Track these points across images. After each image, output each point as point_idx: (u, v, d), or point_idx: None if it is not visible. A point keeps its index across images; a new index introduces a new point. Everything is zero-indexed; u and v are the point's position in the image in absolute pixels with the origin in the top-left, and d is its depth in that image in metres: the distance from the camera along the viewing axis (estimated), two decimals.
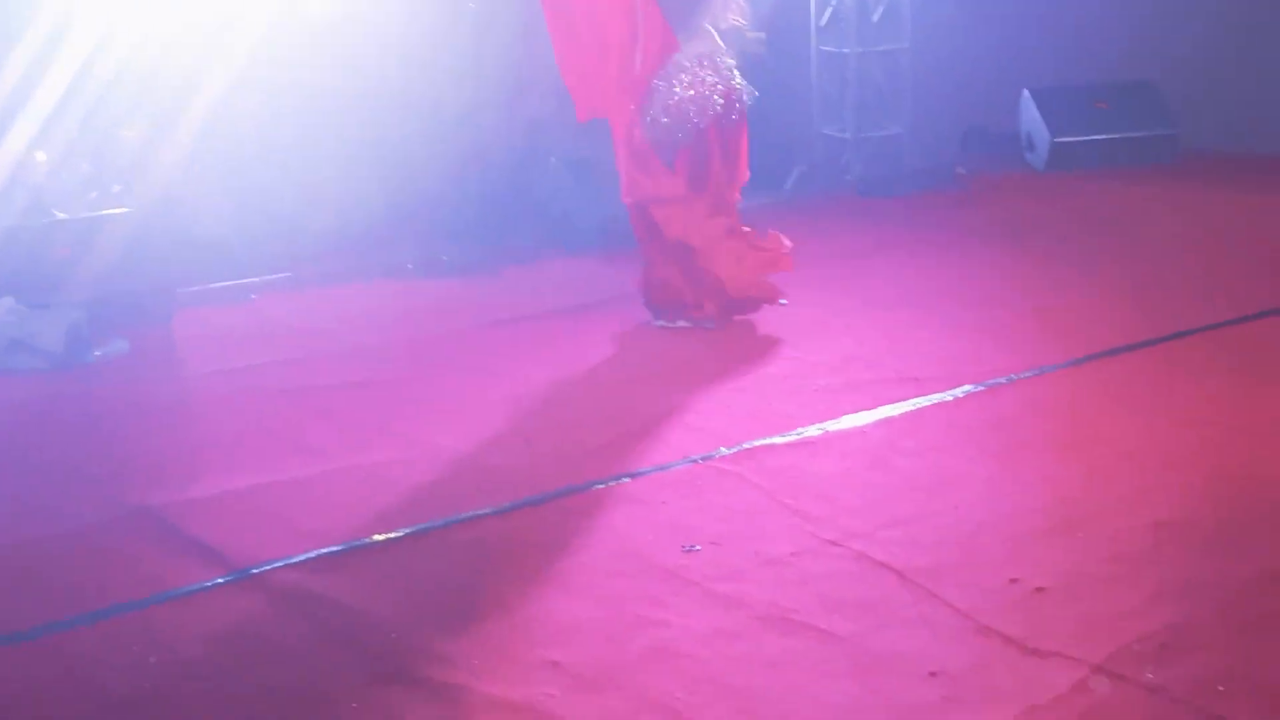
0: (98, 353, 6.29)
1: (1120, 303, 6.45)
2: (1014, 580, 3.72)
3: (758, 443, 4.83)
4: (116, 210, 6.90)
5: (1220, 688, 3.14)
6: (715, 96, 6.17)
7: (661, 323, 6.42)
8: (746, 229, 6.40)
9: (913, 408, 5.12)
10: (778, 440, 4.85)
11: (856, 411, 5.08)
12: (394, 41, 13.32)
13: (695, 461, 4.71)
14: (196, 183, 8.38)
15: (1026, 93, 9.49)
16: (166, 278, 6.93)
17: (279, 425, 5.37)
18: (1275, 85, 9.39)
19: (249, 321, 6.99)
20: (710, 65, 6.18)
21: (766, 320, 6.40)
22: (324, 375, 6.03)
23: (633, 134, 6.20)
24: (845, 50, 10.24)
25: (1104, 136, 9.28)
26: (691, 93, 6.13)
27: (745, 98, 6.30)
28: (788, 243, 6.44)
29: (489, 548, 4.15)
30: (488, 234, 8.52)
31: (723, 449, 4.79)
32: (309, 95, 11.94)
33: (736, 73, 6.29)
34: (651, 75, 6.17)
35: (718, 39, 6.26)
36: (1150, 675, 3.21)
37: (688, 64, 6.16)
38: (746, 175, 6.46)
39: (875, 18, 10.23)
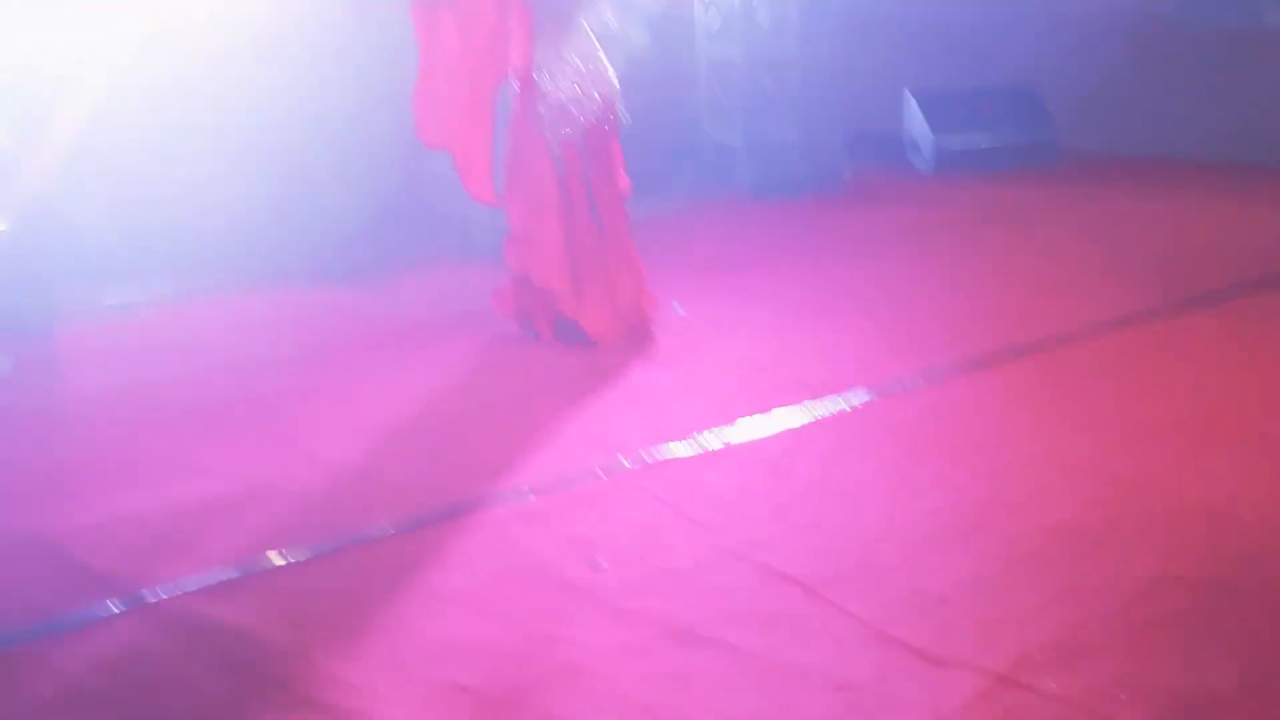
0: None
1: (1013, 305, 6.54)
2: (916, 588, 3.76)
3: (658, 454, 4.82)
4: None
5: (1122, 695, 3.19)
6: (593, 100, 6.07)
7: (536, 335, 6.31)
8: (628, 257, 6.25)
9: (812, 415, 5.14)
10: (678, 451, 4.84)
11: (755, 419, 5.09)
12: (278, 40, 13.11)
13: (596, 474, 4.69)
14: (76, 190, 8.20)
15: (909, 95, 9.61)
16: (49, 291, 6.75)
17: (168, 444, 5.24)
18: (1147, 91, 9.59)
19: (136, 335, 6.83)
20: (589, 67, 6.07)
21: (663, 327, 6.38)
22: (215, 390, 5.90)
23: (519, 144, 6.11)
24: (734, 57, 10.28)
25: (987, 139, 9.41)
26: (570, 94, 6.05)
27: (620, 105, 6.20)
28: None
29: (389, 567, 4.08)
30: (380, 238, 8.42)
31: (623, 461, 4.77)
32: (192, 96, 11.70)
33: (614, 78, 6.18)
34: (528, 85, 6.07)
35: (595, 41, 6.14)
36: (1052, 683, 3.25)
37: (568, 64, 6.04)
38: (628, 186, 6.33)
39: (763, 25, 10.29)
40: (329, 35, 11.78)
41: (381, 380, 5.92)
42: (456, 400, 5.67)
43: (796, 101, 10.35)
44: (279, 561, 4.13)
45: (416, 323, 6.84)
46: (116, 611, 3.85)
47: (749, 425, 5.04)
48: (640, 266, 6.29)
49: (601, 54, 6.15)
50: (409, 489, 4.66)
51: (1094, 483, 4.41)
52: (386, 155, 11.31)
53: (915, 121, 9.56)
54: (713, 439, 4.93)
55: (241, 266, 7.86)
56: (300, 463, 4.94)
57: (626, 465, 4.74)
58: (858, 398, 5.30)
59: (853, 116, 10.61)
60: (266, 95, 11.11)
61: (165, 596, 3.91)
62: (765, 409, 5.18)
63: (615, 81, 6.17)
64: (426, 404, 5.59)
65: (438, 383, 5.84)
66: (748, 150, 10.27)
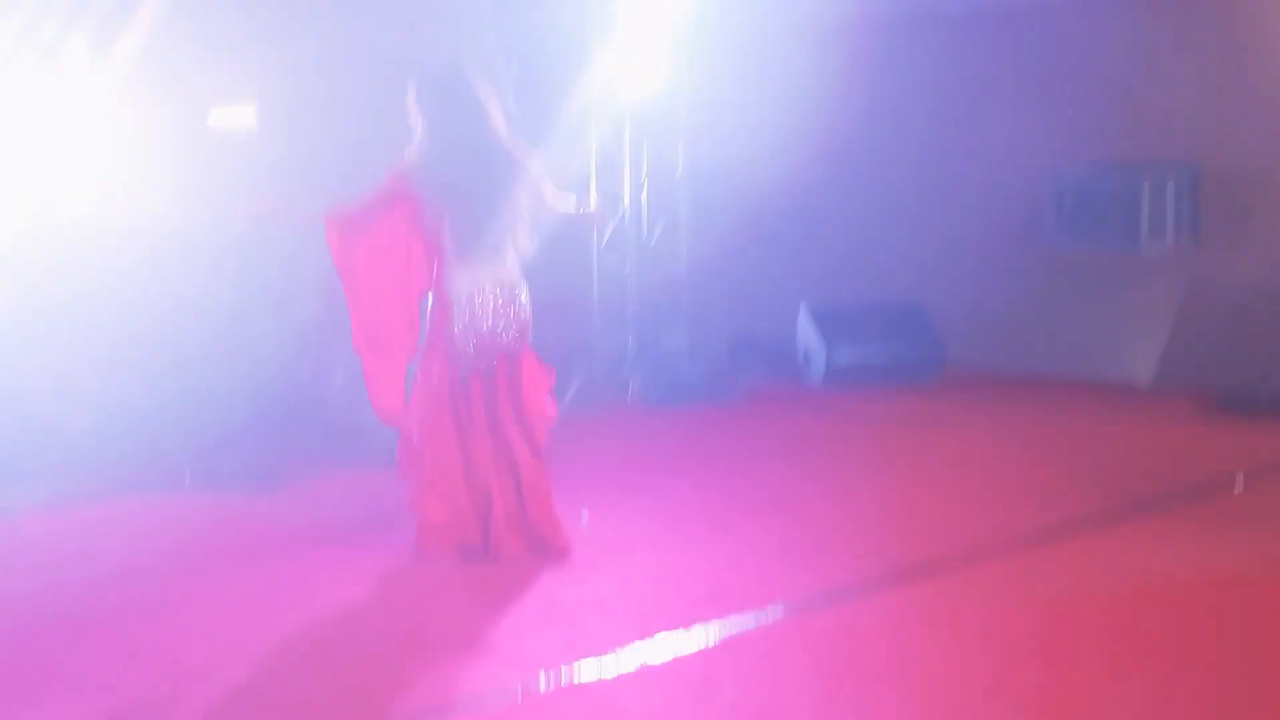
0: None
1: (912, 519, 6.59)
2: None
3: (574, 673, 4.71)
4: None
5: None
6: (510, 327, 6.03)
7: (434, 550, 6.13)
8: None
9: (728, 631, 5.08)
10: (595, 670, 4.74)
11: (672, 636, 5.02)
12: (158, 234, 13.02)
13: (511, 694, 4.56)
14: None
15: (804, 310, 9.82)
16: None
17: (45, 660, 5.00)
18: (1030, 311, 9.92)
19: (14, 541, 6.57)
20: (507, 294, 6.03)
21: (573, 540, 6.29)
22: (98, 603, 5.64)
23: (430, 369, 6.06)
24: (625, 268, 10.46)
25: (877, 354, 9.62)
26: (489, 325, 6.00)
27: (528, 333, 6.14)
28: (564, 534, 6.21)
29: None
30: (270, 440, 8.28)
31: (541, 682, 4.65)
32: (67, 291, 11.53)
33: (528, 304, 6.14)
34: (444, 305, 6.04)
35: (516, 266, 6.10)
36: None
37: (487, 289, 5.99)
38: (553, 409, 6.30)
39: (654, 237, 10.51)
40: (210, 233, 11.77)
41: (275, 592, 5.73)
42: (357, 614, 5.50)
43: (686, 311, 10.56)
44: None
45: (313, 531, 6.67)
46: None
47: (666, 643, 4.96)
48: (548, 484, 6.21)
49: (519, 279, 6.11)
50: (306, 710, 4.47)
51: (1010, 704, 4.40)
52: (268, 355, 11.24)
53: (808, 334, 9.75)
54: (630, 657, 4.84)
55: (126, 469, 7.66)
56: (184, 681, 4.71)
57: (543, 687, 4.62)
58: (771, 615, 5.26)
59: (745, 327, 10.85)
60: (146, 290, 11.04)
61: None
62: (681, 626, 5.11)
63: (528, 306, 6.12)
64: (325, 617, 5.41)
65: (337, 595, 5.66)
66: (638, 358, 10.40)
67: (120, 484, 7.48)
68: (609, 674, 4.71)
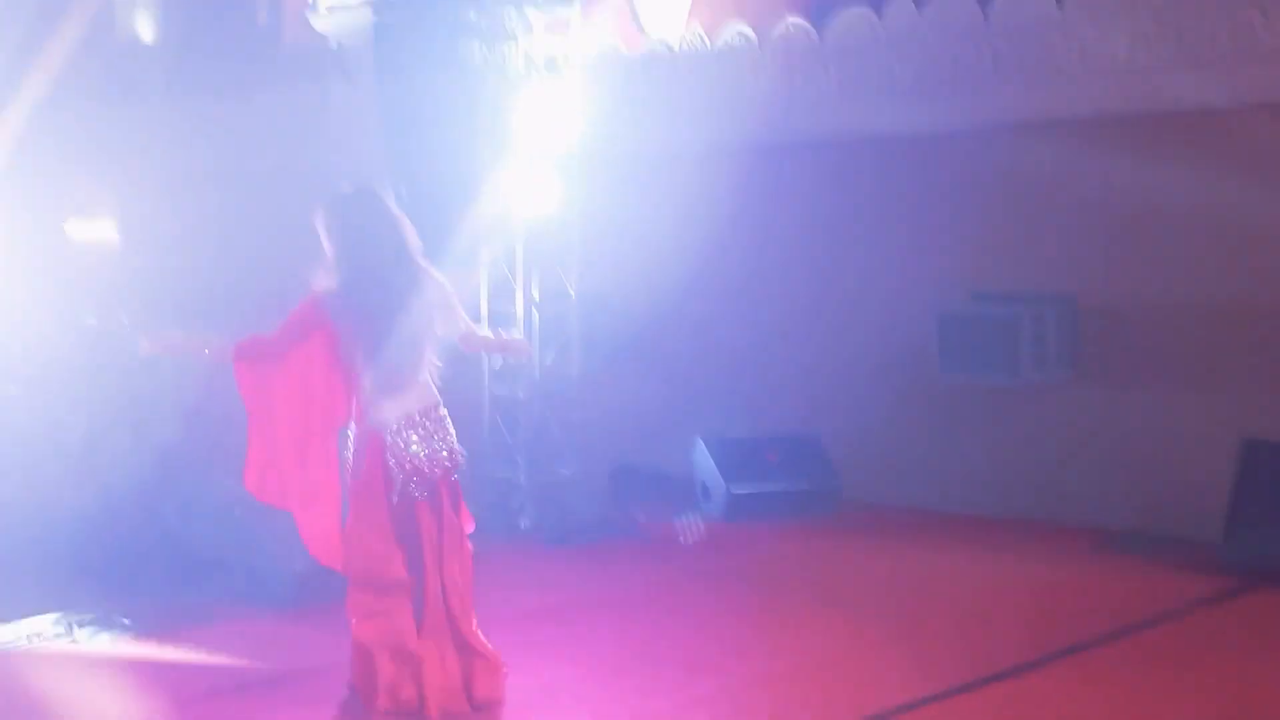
0: None
1: (844, 664, 6.51)
2: None
3: None
4: None
5: None
6: (444, 454, 5.86)
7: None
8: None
9: None
10: None
11: None
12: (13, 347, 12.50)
13: None
14: None
15: (700, 443, 9.78)
16: None
17: None
18: (923, 442, 10.01)
19: None
20: (434, 419, 5.86)
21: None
22: None
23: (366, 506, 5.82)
24: (516, 394, 10.29)
25: (775, 487, 9.60)
26: (425, 451, 5.81)
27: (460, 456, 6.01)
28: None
29: None
30: (147, 580, 7.91)
31: None
32: None
33: (453, 430, 5.99)
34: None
35: (433, 389, 5.91)
36: None
37: (418, 419, 5.80)
38: (470, 523, 6.12)
39: (548, 361, 10.37)
40: (61, 353, 11.37)
41: None
42: None
43: (578, 440, 10.41)
44: None
45: (222, 687, 6.32)
46: None
47: None
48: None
49: (439, 402, 5.92)
50: None
51: None
52: (120, 484, 10.81)
53: (706, 468, 9.69)
54: None
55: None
56: None
57: None
58: None
59: (638, 457, 10.75)
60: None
61: None
62: None
63: (453, 433, 5.96)
64: None
65: None
66: (529, 488, 10.19)
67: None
68: None
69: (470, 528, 6.11)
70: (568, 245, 10.36)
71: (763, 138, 10.87)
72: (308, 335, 5.80)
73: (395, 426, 5.76)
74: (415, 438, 5.78)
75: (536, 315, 10.28)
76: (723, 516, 9.53)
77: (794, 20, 10.80)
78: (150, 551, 8.94)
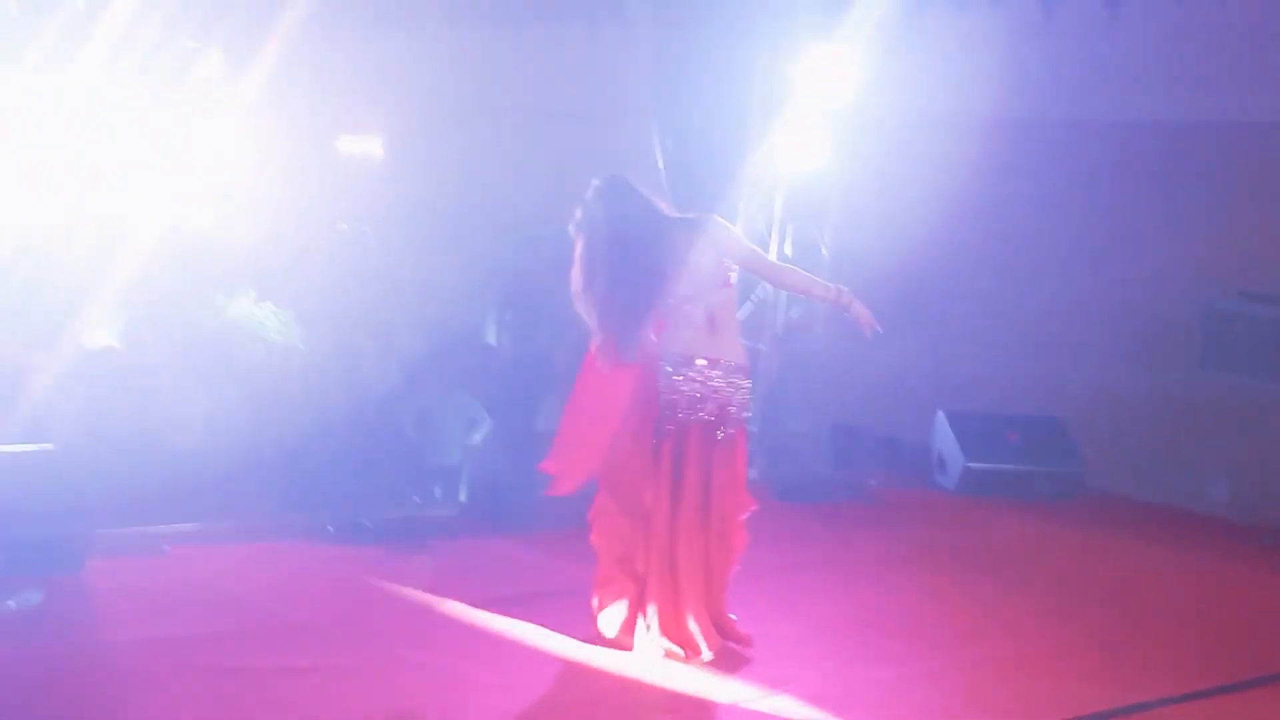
0: (10, 602, 5.78)
1: (1071, 658, 6.39)
2: None
3: None
4: (35, 446, 6.44)
5: None
6: (709, 406, 5.97)
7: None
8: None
9: None
10: None
11: None
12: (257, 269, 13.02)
13: None
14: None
15: (942, 414, 9.67)
16: (80, 521, 6.44)
17: (220, 715, 4.92)
18: (1173, 438, 9.71)
19: (166, 578, 6.53)
20: (723, 375, 6.01)
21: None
22: (262, 656, 5.62)
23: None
24: (760, 346, 10.32)
25: (1014, 467, 9.44)
26: (687, 390, 5.96)
27: (742, 422, 6.13)
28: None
29: None
30: (401, 496, 8.20)
31: None
32: (193, 316, 11.57)
33: (745, 396, 6.13)
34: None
35: (738, 351, 6.11)
36: None
37: (700, 362, 5.98)
38: (750, 505, 6.24)
39: (793, 315, 10.37)
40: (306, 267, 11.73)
41: (449, 666, 5.67)
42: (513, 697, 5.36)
43: (815, 399, 10.40)
44: None
45: (467, 598, 6.54)
46: None
47: None
48: (725, 569, 6.15)
49: (736, 361, 6.07)
50: None
51: None
52: (370, 395, 11.21)
53: (945, 440, 9.59)
54: None
55: (269, 513, 7.62)
56: None
57: None
58: None
59: (875, 422, 10.68)
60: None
61: None
62: None
63: (742, 390, 6.09)
64: (503, 698, 5.30)
65: (511, 676, 5.59)
66: (760, 438, 10.24)
67: (264, 526, 7.43)
68: None
69: (746, 510, 6.24)
70: (826, 202, 10.32)
71: (1036, 113, 10.61)
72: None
73: (674, 359, 5.98)
74: (686, 377, 5.95)
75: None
76: (957, 490, 9.42)
77: None
78: (391, 460, 9.28)
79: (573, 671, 5.77)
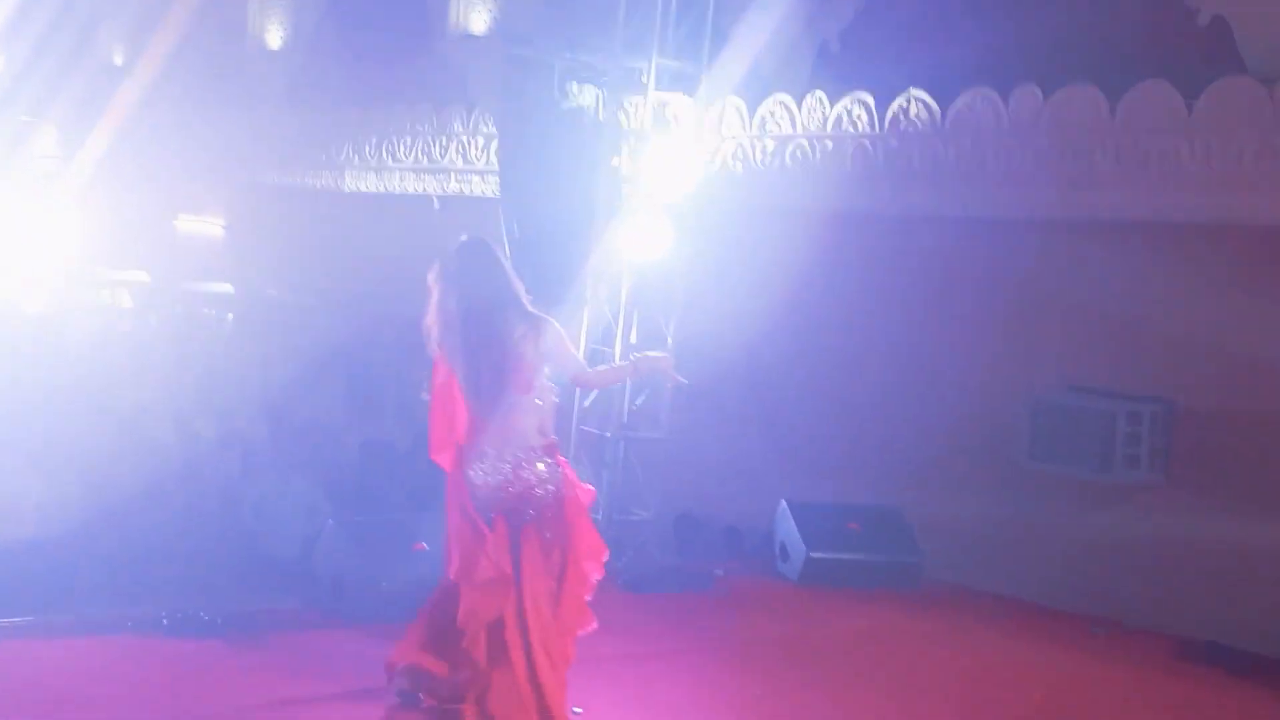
0: None
1: None
2: None
3: None
4: None
5: None
6: (510, 492, 6.04)
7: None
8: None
9: None
10: None
11: None
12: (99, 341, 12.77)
13: None
14: None
15: (784, 504, 9.80)
16: None
17: None
18: (1007, 527, 9.97)
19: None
20: (511, 460, 6.05)
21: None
22: None
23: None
24: (605, 433, 10.37)
25: (855, 557, 9.59)
26: (484, 482, 6.03)
27: (554, 498, 6.14)
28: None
29: None
30: (242, 588, 8.04)
31: None
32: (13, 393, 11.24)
33: (554, 471, 6.16)
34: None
35: (529, 433, 6.12)
36: None
37: (495, 452, 6.03)
38: (592, 575, 6.36)
39: (637, 404, 10.44)
40: (150, 342, 11.55)
41: None
42: None
43: (658, 485, 10.45)
44: None
45: (305, 696, 6.44)
46: None
47: None
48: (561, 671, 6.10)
49: (538, 442, 6.12)
50: None
51: None
52: (208, 474, 11.00)
53: (787, 530, 9.71)
54: None
55: (99, 604, 7.41)
56: None
57: None
58: None
59: (711, 509, 10.78)
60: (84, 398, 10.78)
61: None
62: None
63: (553, 468, 6.14)
64: None
65: None
66: (605, 526, 10.24)
67: (97, 619, 7.21)
68: None
69: (590, 583, 6.36)
70: (670, 291, 10.45)
71: (875, 208, 10.92)
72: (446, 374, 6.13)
73: (470, 452, 6.04)
74: (479, 469, 6.01)
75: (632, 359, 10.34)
76: (800, 580, 9.54)
77: (916, 93, 10.84)
78: (235, 553, 9.11)
79: None
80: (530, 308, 6.12)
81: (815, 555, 9.51)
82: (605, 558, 6.44)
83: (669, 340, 10.42)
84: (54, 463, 10.73)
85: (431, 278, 6.10)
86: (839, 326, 11.09)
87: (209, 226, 16.55)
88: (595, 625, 6.32)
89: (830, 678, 7.62)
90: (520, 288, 6.15)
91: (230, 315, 12.81)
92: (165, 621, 7.28)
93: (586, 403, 10.48)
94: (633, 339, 10.36)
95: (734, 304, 11.04)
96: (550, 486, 6.12)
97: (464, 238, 6.25)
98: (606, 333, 10.36)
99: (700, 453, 10.95)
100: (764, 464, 10.91)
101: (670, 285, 10.41)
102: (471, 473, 6.01)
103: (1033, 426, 10.04)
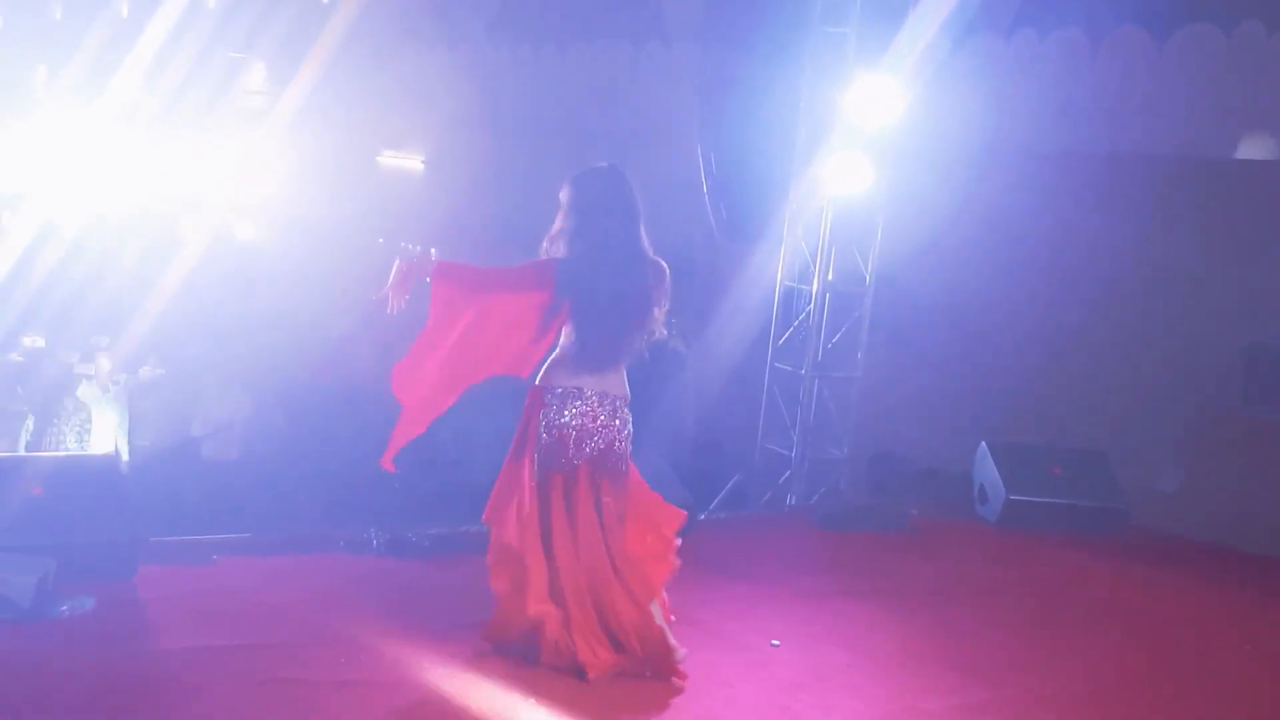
0: (64, 608, 5.80)
1: (1117, 695, 6.35)
2: None
3: None
4: (95, 452, 6.49)
5: None
6: (598, 440, 5.89)
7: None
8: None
9: None
10: None
11: None
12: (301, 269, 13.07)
13: None
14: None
15: (984, 446, 9.61)
16: (134, 528, 6.46)
17: None
18: (1216, 475, 9.66)
19: (215, 587, 6.56)
20: (609, 407, 5.93)
21: (775, 663, 6.14)
22: (310, 668, 5.63)
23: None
24: (800, 370, 10.31)
25: (1057, 501, 9.38)
26: (578, 425, 5.87)
27: (629, 451, 6.00)
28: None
29: None
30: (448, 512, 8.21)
31: None
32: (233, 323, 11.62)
33: (630, 426, 6.02)
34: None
35: (625, 384, 6.01)
36: None
37: (589, 397, 5.89)
38: (676, 517, 6.15)
39: (833, 342, 10.35)
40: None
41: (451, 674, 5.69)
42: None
43: (853, 423, 10.38)
44: None
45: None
46: None
47: None
48: (646, 596, 5.95)
49: (623, 397, 5.99)
50: None
51: None
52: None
53: (987, 471, 9.52)
54: None
55: (314, 525, 7.65)
56: None
57: None
58: None
59: (913, 451, 10.66)
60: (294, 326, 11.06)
61: None
62: None
63: (628, 424, 6.00)
64: None
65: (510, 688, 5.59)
66: (798, 463, 10.23)
67: (309, 537, 7.45)
68: None
69: (676, 523, 6.15)
70: (869, 229, 10.31)
71: (1084, 144, 10.60)
72: (522, 290, 5.90)
73: (560, 392, 5.86)
74: (573, 411, 5.85)
75: (828, 296, 10.28)
76: (998, 522, 9.37)
77: (1132, 27, 10.48)
78: (432, 476, 9.31)
79: (602, 693, 5.74)
80: (651, 253, 5.97)
81: (1015, 498, 9.31)
82: (678, 518, 6.21)
83: (867, 278, 10.32)
84: (260, 387, 11.12)
85: (565, 198, 5.93)
86: (1043, 267, 10.82)
87: (410, 162, 16.83)
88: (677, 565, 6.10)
89: (1027, 620, 7.45)
90: (646, 238, 5.97)
91: (433, 250, 13.00)
92: (375, 542, 7.44)
93: (781, 340, 10.45)
94: (830, 276, 10.27)
95: (935, 242, 10.85)
96: (628, 440, 6.01)
97: (603, 164, 6.05)
98: (803, 270, 10.31)
99: (897, 392, 10.83)
100: (963, 405, 10.73)
101: (870, 222, 10.28)
102: (567, 412, 5.86)
103: (1247, 372, 9.71)
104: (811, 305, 10.26)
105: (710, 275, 11.74)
